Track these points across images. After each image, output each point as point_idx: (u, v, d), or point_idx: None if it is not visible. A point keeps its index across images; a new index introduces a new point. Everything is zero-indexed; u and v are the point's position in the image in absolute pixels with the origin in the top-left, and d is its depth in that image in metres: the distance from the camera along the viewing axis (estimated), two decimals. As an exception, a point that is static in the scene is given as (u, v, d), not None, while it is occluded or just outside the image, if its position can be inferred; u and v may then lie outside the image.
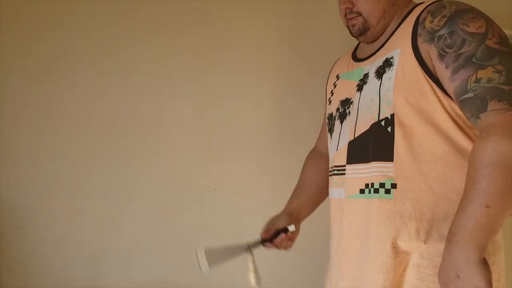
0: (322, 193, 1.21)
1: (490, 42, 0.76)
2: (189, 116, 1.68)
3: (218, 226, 1.65)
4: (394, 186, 0.85)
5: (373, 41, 0.99)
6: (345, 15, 0.99)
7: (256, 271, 1.02)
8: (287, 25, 1.76)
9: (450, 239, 0.74)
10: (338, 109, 1.02)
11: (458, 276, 0.71)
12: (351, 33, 1.01)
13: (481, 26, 0.78)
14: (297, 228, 1.16)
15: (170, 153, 1.66)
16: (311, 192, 1.22)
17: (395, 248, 0.83)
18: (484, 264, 0.71)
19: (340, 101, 1.01)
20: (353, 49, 1.12)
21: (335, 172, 1.01)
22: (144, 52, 1.66)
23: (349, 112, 0.97)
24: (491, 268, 0.73)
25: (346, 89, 1.01)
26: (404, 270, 0.83)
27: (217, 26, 1.71)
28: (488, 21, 0.79)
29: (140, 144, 1.64)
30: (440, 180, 0.83)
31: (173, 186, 1.65)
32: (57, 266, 1.57)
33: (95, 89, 1.64)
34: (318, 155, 1.28)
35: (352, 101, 0.97)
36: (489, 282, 0.70)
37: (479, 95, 0.75)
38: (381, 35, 0.97)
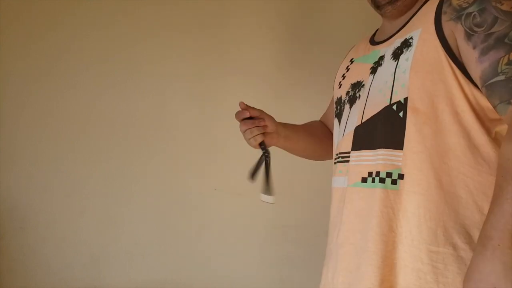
0: (317, 138, 1.16)
1: None
2: (189, 116, 1.67)
3: (218, 226, 1.65)
4: (401, 177, 0.78)
5: (396, 18, 0.91)
6: None
7: (268, 182, 0.97)
8: (288, 23, 1.75)
9: (484, 243, 0.63)
10: (348, 92, 0.94)
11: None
12: (377, 4, 0.91)
13: None
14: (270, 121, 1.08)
15: (170, 153, 1.66)
16: (313, 133, 1.18)
17: (395, 243, 0.77)
18: None
19: (351, 84, 0.93)
20: (371, 35, 1.05)
21: (340, 159, 0.93)
22: (144, 52, 1.66)
23: (359, 95, 0.89)
24: None
25: (359, 72, 0.93)
26: (407, 270, 0.76)
27: (217, 25, 1.70)
28: None
29: (140, 144, 1.64)
30: (452, 175, 0.75)
31: (173, 186, 1.65)
32: (57, 266, 1.57)
33: (94, 89, 1.64)
34: (318, 122, 1.25)
35: (363, 84, 0.89)
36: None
37: (509, 77, 0.67)
38: (407, 12, 0.89)
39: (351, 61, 1.02)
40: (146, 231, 1.62)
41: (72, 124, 1.61)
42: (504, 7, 0.71)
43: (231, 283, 1.62)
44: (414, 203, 0.77)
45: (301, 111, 1.70)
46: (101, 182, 1.61)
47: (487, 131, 0.77)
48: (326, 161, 1.21)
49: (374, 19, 1.05)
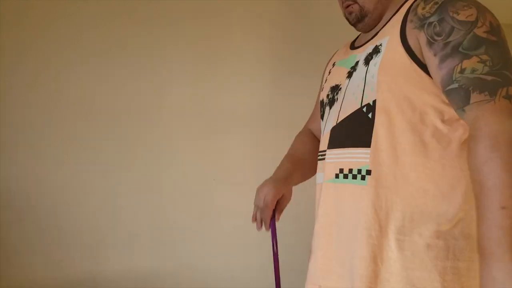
0: (313, 160, 1.17)
1: (479, 31, 0.74)
2: (188, 107, 1.67)
3: (217, 216, 1.65)
4: (369, 172, 0.83)
5: (370, 30, 0.98)
6: (342, 3, 0.99)
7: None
8: (286, 13, 1.74)
9: (482, 253, 0.68)
10: (328, 95, 1.01)
11: None
12: (349, 22, 1.01)
13: (471, 15, 0.76)
14: (288, 192, 1.14)
15: (169, 144, 1.66)
16: (301, 158, 1.19)
17: (368, 237, 0.82)
18: None
19: (331, 87, 1.01)
20: (353, 39, 1.11)
21: (319, 157, 1.01)
22: (142, 42, 1.66)
23: (337, 98, 0.96)
24: (475, 281, 0.71)
25: (338, 75, 1.00)
26: (376, 261, 0.81)
27: (215, 14, 1.70)
28: (480, 9, 0.77)
29: (138, 135, 1.64)
30: (418, 170, 0.81)
31: (172, 176, 1.65)
32: (56, 257, 1.58)
33: (92, 82, 1.63)
34: (307, 130, 1.28)
35: (341, 87, 0.96)
36: None
37: (463, 86, 0.73)
38: (378, 23, 0.96)
39: (333, 64, 1.09)
40: (145, 221, 1.62)
41: (70, 116, 1.61)
42: (460, 17, 0.76)
43: (230, 272, 1.63)
44: (381, 197, 0.82)
45: (299, 100, 1.69)
46: (100, 173, 1.61)
47: (453, 128, 0.81)
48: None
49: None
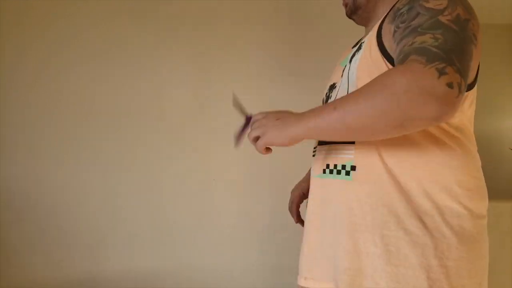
0: None
1: (443, 18, 0.71)
2: (189, 109, 1.67)
3: (216, 215, 1.65)
4: (353, 168, 0.84)
5: (367, 23, 0.99)
6: None
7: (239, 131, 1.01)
8: (286, 13, 1.74)
9: (301, 115, 0.77)
10: (326, 94, 1.03)
11: (277, 119, 0.80)
12: (346, 14, 1.02)
13: (441, 4, 0.73)
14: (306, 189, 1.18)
15: (170, 145, 1.65)
16: None
17: (352, 231, 0.82)
18: (292, 136, 0.77)
19: (329, 86, 1.02)
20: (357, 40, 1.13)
21: (313, 153, 1.03)
22: (142, 42, 1.66)
23: (331, 96, 0.98)
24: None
25: (335, 75, 1.01)
26: (361, 255, 0.81)
27: (214, 15, 1.69)
28: (453, 1, 0.74)
29: (139, 135, 1.64)
30: (402, 166, 0.80)
31: (173, 177, 1.65)
32: (56, 257, 1.58)
33: (92, 82, 1.63)
34: None
35: (335, 86, 0.98)
36: (276, 139, 0.78)
37: (405, 52, 0.69)
38: (374, 17, 0.96)
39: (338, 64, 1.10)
40: (145, 221, 1.62)
41: (70, 116, 1.61)
42: (429, 5, 0.74)
43: (230, 270, 1.63)
44: (366, 191, 0.82)
45: (299, 99, 1.69)
46: (100, 173, 1.61)
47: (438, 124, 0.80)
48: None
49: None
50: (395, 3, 0.84)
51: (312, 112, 0.75)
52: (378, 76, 0.68)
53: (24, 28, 1.61)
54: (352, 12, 0.99)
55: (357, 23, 1.03)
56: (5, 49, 1.59)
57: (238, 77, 1.70)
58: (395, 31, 0.77)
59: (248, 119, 1.00)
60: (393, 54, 0.77)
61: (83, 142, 1.61)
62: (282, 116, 0.82)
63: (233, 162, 1.67)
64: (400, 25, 0.76)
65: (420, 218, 0.78)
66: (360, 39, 0.98)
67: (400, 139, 0.80)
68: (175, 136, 1.66)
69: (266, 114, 0.86)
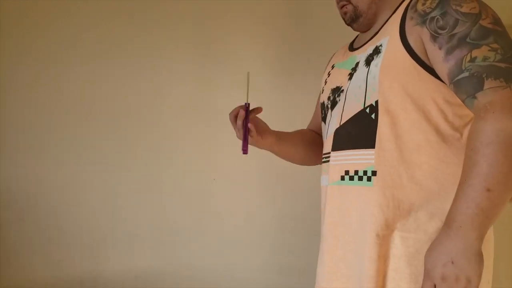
0: (307, 143, 1.20)
1: (484, 22, 0.75)
2: (188, 107, 1.67)
3: (217, 216, 1.65)
4: (374, 173, 0.84)
5: (367, 29, 0.99)
6: (337, 3, 1.01)
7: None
8: (286, 13, 1.74)
9: (449, 224, 0.72)
10: (329, 97, 1.02)
11: (452, 262, 0.69)
12: (345, 22, 1.02)
13: (474, 7, 0.76)
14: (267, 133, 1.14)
15: (170, 145, 1.66)
16: (296, 137, 1.21)
17: (375, 237, 0.82)
18: (481, 256, 0.70)
19: (331, 90, 1.01)
20: (351, 40, 1.12)
21: (324, 159, 1.01)
22: (142, 42, 1.66)
23: (339, 100, 0.97)
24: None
25: (338, 77, 1.00)
26: (382, 259, 0.82)
27: (214, 14, 1.69)
28: (481, 3, 0.78)
29: (139, 135, 1.64)
30: (422, 169, 0.82)
31: (173, 176, 1.65)
32: (56, 257, 1.58)
33: (93, 82, 1.63)
34: (307, 129, 1.30)
35: (342, 89, 0.96)
36: (480, 276, 0.70)
37: (475, 74, 0.72)
38: (374, 23, 0.97)
39: (333, 66, 1.09)
40: (145, 221, 1.62)
41: (70, 116, 1.61)
42: (463, 9, 0.76)
43: (230, 271, 1.63)
44: (388, 196, 0.83)
45: (299, 99, 1.70)
46: (100, 173, 1.61)
47: (456, 126, 0.82)
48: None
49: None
50: (408, 5, 0.85)
51: (472, 217, 0.69)
52: (486, 135, 0.70)
53: (24, 28, 1.61)
54: (353, 20, 0.99)
55: (355, 29, 1.03)
56: (5, 49, 1.60)
57: (238, 77, 1.70)
58: (435, 37, 0.78)
59: (246, 108, 1.04)
60: (434, 56, 0.79)
61: (83, 142, 1.61)
62: (460, 260, 0.71)
63: (233, 162, 1.67)
64: (440, 31, 0.77)
65: (439, 220, 0.79)
66: (365, 43, 0.97)
67: (421, 143, 0.82)
68: (175, 136, 1.66)
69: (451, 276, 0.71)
